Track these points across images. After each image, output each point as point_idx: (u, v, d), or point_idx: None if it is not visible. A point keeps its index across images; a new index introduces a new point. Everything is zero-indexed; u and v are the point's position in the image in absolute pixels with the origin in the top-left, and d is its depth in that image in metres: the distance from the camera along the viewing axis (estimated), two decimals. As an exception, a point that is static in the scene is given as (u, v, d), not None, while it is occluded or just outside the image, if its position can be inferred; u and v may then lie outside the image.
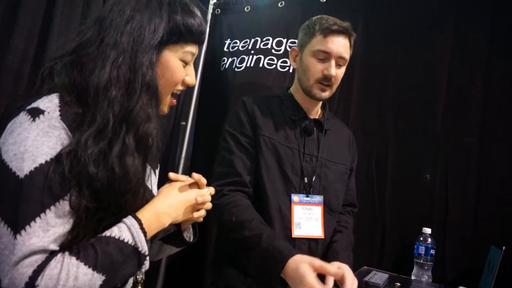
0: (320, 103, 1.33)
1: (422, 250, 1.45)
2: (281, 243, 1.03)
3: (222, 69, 2.09)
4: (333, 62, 1.20)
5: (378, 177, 1.67)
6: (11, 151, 0.63)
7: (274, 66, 1.92)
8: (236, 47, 2.07)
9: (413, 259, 1.48)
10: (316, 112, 1.33)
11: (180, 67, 0.80)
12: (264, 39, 1.98)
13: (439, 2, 1.64)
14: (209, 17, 2.18)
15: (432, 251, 1.44)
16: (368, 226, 1.65)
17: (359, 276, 1.41)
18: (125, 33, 0.72)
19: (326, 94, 1.24)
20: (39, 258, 0.62)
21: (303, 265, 0.94)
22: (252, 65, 1.97)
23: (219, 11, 2.19)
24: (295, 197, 1.20)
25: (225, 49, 2.11)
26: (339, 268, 1.00)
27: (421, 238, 1.47)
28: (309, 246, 1.21)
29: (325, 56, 1.20)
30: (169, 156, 2.07)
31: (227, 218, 1.12)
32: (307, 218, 1.20)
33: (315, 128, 1.29)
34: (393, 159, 1.66)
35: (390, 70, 1.70)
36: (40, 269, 0.61)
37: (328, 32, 1.19)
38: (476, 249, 1.45)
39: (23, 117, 0.66)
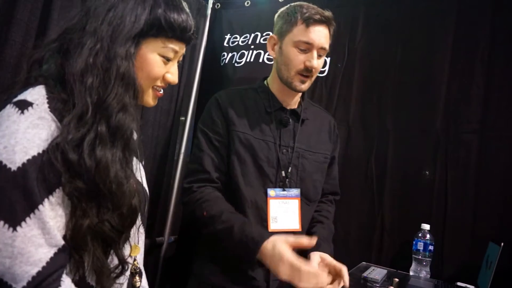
0: (299, 93, 1.29)
1: (420, 246, 1.45)
2: (252, 230, 1.06)
3: (222, 64, 2.08)
4: (315, 53, 1.17)
5: (377, 173, 1.67)
6: (1, 144, 0.61)
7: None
8: (236, 42, 2.06)
9: (411, 255, 1.48)
10: (294, 103, 1.30)
11: (159, 62, 0.77)
12: (264, 34, 1.98)
13: (440, -2, 1.64)
14: (209, 11, 2.16)
15: (431, 247, 1.45)
16: (367, 222, 1.65)
17: (358, 271, 1.42)
18: (105, 21, 0.71)
19: (306, 86, 1.22)
20: (43, 257, 0.61)
21: (278, 244, 0.99)
22: (252, 60, 1.97)
23: (219, 5, 2.18)
24: (271, 192, 1.19)
25: (225, 44, 2.10)
26: (322, 259, 1.09)
27: (420, 234, 1.47)
28: None
29: (307, 47, 1.17)
30: (168, 151, 2.07)
31: (199, 213, 1.14)
32: (284, 211, 1.20)
33: (290, 119, 1.26)
34: (392, 155, 1.65)
35: (390, 66, 1.70)
36: (44, 271, 0.60)
37: (310, 22, 1.15)
38: (474, 245, 1.45)
39: (10, 110, 0.64)
